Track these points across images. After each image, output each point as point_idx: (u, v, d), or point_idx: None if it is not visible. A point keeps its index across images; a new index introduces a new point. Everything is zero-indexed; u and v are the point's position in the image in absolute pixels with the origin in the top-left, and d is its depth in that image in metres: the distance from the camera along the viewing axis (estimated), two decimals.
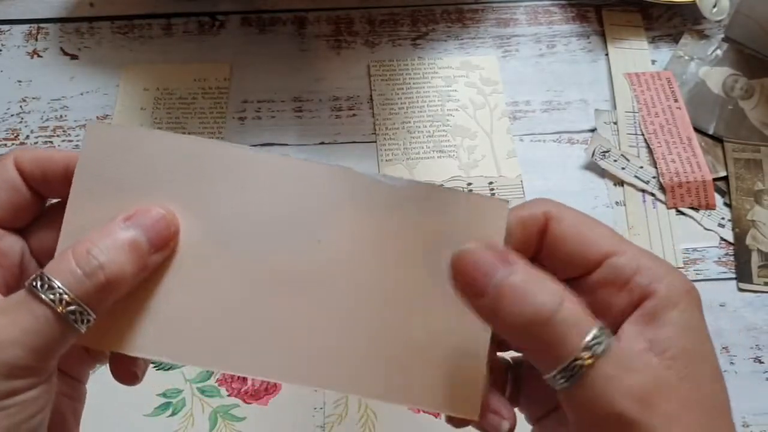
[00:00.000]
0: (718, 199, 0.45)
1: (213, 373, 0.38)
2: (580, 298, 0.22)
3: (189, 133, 0.47)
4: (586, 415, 0.22)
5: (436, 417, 0.37)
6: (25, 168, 0.26)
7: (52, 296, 0.22)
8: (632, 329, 0.23)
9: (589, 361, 0.21)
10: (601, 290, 0.24)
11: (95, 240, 0.23)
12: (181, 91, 0.49)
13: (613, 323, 0.23)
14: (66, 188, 0.25)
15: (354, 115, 0.49)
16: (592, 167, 0.46)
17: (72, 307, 0.22)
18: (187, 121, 0.48)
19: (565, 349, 0.21)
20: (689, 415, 0.22)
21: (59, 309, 0.22)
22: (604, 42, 0.52)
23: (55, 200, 0.27)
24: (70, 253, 0.23)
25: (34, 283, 0.22)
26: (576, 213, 0.26)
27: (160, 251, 0.24)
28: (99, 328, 0.23)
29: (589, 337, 0.21)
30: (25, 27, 0.52)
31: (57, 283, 0.22)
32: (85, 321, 0.23)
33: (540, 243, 0.25)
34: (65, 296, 0.22)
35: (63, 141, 0.47)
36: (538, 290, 0.21)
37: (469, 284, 0.22)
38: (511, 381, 0.28)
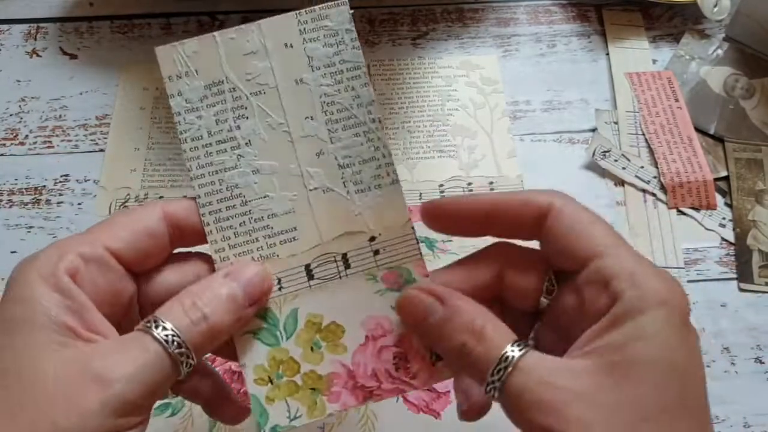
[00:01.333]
0: (719, 199, 0.45)
1: None
2: (499, 323, 0.25)
3: None
4: (515, 422, 0.24)
5: (436, 417, 0.37)
6: (172, 222, 0.27)
7: (165, 335, 0.24)
8: (587, 335, 0.24)
9: (499, 380, 0.24)
10: (586, 289, 0.25)
11: (199, 292, 0.25)
12: None
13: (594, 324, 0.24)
14: (197, 240, 0.28)
15: None
16: (593, 167, 0.46)
17: (181, 349, 0.24)
18: None
19: (487, 365, 0.24)
20: (610, 420, 0.22)
21: (170, 349, 0.24)
22: (605, 41, 0.52)
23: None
24: (177, 303, 0.25)
25: (149, 324, 0.24)
26: (579, 209, 0.26)
27: (255, 305, 0.27)
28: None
29: (502, 354, 0.24)
30: (25, 26, 0.52)
31: (169, 326, 0.24)
32: (188, 365, 0.25)
33: (538, 231, 0.26)
34: (176, 338, 0.24)
35: (62, 141, 0.47)
36: (462, 329, 0.25)
37: (413, 323, 0.27)
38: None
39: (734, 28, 0.52)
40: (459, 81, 0.50)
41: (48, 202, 0.44)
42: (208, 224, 0.28)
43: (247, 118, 0.30)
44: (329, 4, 0.30)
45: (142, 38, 0.51)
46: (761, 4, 0.49)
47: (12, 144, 0.47)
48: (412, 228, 0.30)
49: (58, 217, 0.44)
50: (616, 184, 0.46)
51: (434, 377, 0.29)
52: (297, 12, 0.30)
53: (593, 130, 0.48)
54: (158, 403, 0.37)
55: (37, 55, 0.51)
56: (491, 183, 0.45)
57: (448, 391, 0.38)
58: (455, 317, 0.25)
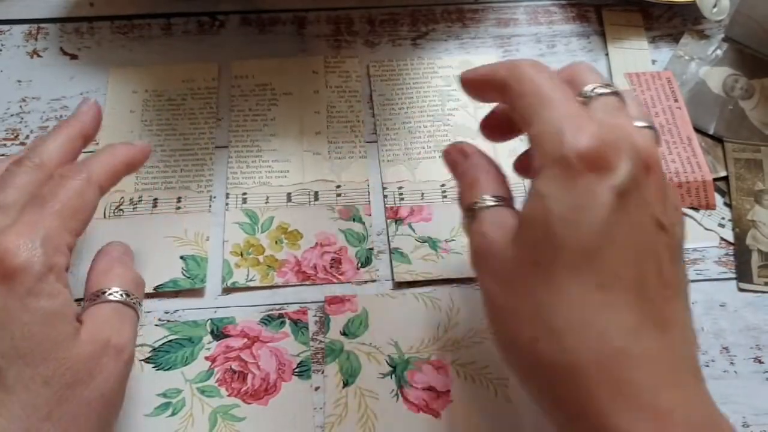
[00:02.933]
0: (719, 199, 0.45)
1: (213, 373, 0.38)
2: (495, 178, 0.32)
3: (180, 135, 0.47)
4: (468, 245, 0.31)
5: (436, 417, 0.37)
6: (104, 188, 0.33)
7: (119, 295, 0.32)
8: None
9: (467, 217, 0.31)
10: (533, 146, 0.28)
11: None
12: (170, 93, 0.49)
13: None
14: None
15: None
16: None
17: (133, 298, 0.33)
18: (178, 123, 0.48)
19: (463, 205, 0.32)
20: (499, 268, 0.28)
21: (129, 300, 0.33)
22: (604, 42, 0.52)
23: None
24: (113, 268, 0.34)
25: (104, 293, 0.32)
26: (527, 79, 0.29)
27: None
28: None
29: (475, 199, 0.31)
30: (25, 27, 0.52)
31: (116, 289, 0.33)
32: (140, 303, 0.34)
33: (501, 96, 0.31)
34: (124, 293, 0.33)
35: None
36: (467, 178, 0.32)
37: (449, 167, 0.35)
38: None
39: (734, 28, 0.52)
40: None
41: None
42: (230, 157, 0.46)
43: (276, 105, 0.49)
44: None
45: (143, 38, 0.52)
46: (761, 4, 0.49)
47: (13, 144, 0.47)
48: (367, 185, 0.45)
49: None
50: None
51: (356, 277, 0.42)
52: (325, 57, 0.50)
53: None
54: (158, 402, 0.37)
55: (38, 56, 0.51)
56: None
57: (448, 391, 0.38)
58: (469, 169, 0.32)
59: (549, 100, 0.27)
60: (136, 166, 0.35)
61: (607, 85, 0.29)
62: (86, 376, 0.28)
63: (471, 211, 0.31)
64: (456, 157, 0.34)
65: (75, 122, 0.35)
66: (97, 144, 0.47)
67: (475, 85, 0.32)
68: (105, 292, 0.31)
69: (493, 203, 0.30)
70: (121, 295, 0.31)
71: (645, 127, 0.29)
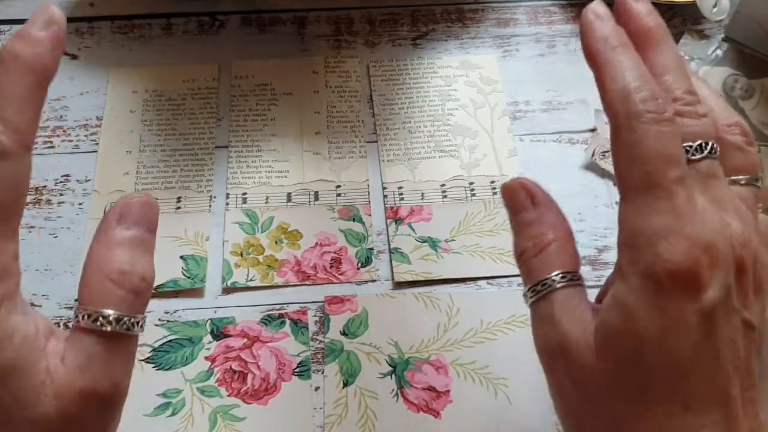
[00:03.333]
0: None
1: (213, 373, 0.38)
2: (567, 246, 0.27)
3: (180, 135, 0.47)
4: (533, 328, 0.27)
5: (436, 417, 0.37)
6: (27, 145, 0.24)
7: (120, 325, 0.23)
8: (607, 281, 0.27)
9: (533, 295, 0.26)
10: (618, 223, 0.26)
11: (114, 258, 0.24)
12: (170, 93, 0.49)
13: None
14: None
15: None
16: (592, 167, 0.46)
17: (134, 321, 0.24)
18: (178, 123, 0.48)
19: (528, 280, 0.27)
20: (582, 377, 0.25)
21: (132, 331, 0.24)
22: None
23: None
24: (106, 281, 0.24)
25: (96, 321, 0.23)
26: (641, 138, 0.24)
27: (155, 233, 0.26)
28: None
29: (541, 278, 0.26)
30: None
31: (114, 314, 0.23)
32: (143, 325, 0.24)
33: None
34: (125, 319, 0.24)
35: (63, 141, 0.47)
36: (529, 235, 0.27)
37: (508, 212, 0.29)
38: None
39: (734, 28, 0.52)
40: (458, 81, 0.50)
41: (49, 202, 0.44)
42: (230, 157, 0.46)
43: (277, 105, 0.48)
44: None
45: (143, 38, 0.52)
46: (761, 5, 0.49)
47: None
48: (367, 185, 0.45)
49: (59, 217, 0.44)
50: (615, 184, 0.46)
51: (356, 277, 0.42)
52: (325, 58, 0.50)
53: (593, 130, 0.48)
54: (158, 402, 0.37)
55: None
56: (492, 182, 0.45)
57: (448, 391, 0.38)
58: (534, 224, 0.27)
59: (655, 186, 0.24)
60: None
61: (704, 142, 0.25)
62: None
63: (537, 290, 0.26)
64: (522, 200, 0.28)
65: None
66: (97, 144, 0.47)
67: (586, 48, 0.27)
68: (98, 320, 0.23)
69: (565, 284, 0.26)
70: (120, 323, 0.23)
71: (747, 183, 0.26)
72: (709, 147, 0.25)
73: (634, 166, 0.24)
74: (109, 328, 0.23)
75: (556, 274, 0.26)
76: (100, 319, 0.23)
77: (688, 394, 0.23)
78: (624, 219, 0.24)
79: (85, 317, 0.23)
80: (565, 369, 0.25)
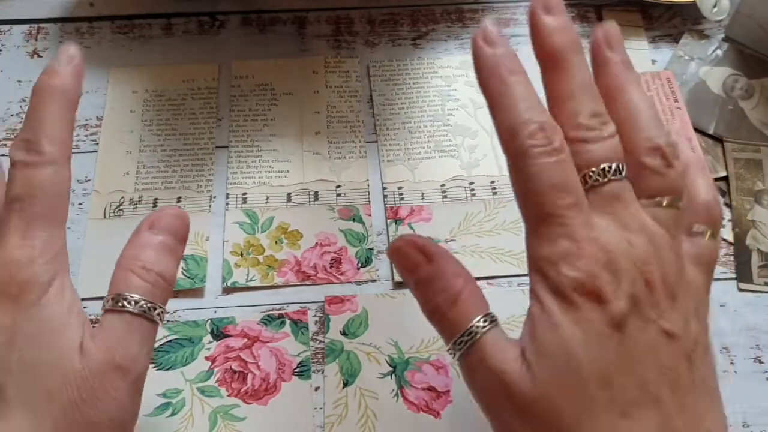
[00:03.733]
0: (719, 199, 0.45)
1: (213, 373, 0.38)
2: (475, 290, 0.27)
3: (180, 135, 0.47)
4: (467, 381, 0.27)
5: (436, 417, 0.37)
6: (67, 158, 0.30)
7: (140, 308, 0.28)
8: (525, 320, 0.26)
9: (457, 349, 0.26)
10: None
11: (141, 255, 0.29)
12: (170, 93, 0.49)
13: None
14: None
15: None
16: None
17: (156, 310, 0.28)
18: (178, 123, 0.48)
19: (449, 336, 0.27)
20: (532, 411, 0.25)
21: (151, 315, 0.28)
22: None
23: None
24: (129, 272, 0.28)
25: (119, 303, 0.28)
26: (537, 169, 0.26)
27: (184, 241, 0.30)
28: None
29: (464, 329, 0.26)
30: (25, 27, 0.52)
31: (138, 297, 0.28)
32: (163, 316, 0.29)
33: None
34: (148, 303, 0.28)
35: None
36: (434, 291, 0.27)
37: (401, 274, 0.29)
38: None
39: (733, 28, 0.52)
40: (458, 80, 0.50)
41: None
42: (230, 157, 0.46)
43: (277, 105, 0.48)
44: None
45: (143, 38, 0.52)
46: (761, 5, 0.50)
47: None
48: (367, 185, 0.45)
49: None
50: None
51: (356, 277, 0.42)
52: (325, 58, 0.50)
53: None
54: (158, 402, 0.37)
55: (38, 56, 0.51)
56: (492, 182, 0.45)
57: (448, 391, 0.38)
58: (436, 279, 0.27)
59: (553, 215, 0.25)
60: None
61: (608, 165, 0.26)
62: (92, 397, 0.26)
63: (464, 341, 0.26)
64: (414, 258, 0.27)
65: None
66: (97, 144, 0.47)
67: None
68: (120, 301, 0.27)
69: (489, 326, 0.26)
70: (138, 305, 0.27)
71: (668, 205, 0.26)
72: (612, 169, 0.25)
73: (528, 199, 0.25)
74: (129, 308, 0.27)
75: (478, 320, 0.26)
76: (122, 300, 0.27)
77: (621, 399, 0.24)
78: (528, 248, 0.26)
79: (110, 300, 0.28)
80: (511, 409, 0.25)
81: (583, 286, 0.24)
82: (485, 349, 0.26)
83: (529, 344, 0.25)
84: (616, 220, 0.25)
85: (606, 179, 0.25)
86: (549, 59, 0.27)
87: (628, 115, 0.27)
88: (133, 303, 0.27)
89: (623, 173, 0.26)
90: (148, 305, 0.28)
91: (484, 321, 0.26)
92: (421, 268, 0.27)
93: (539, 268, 0.25)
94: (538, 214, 0.25)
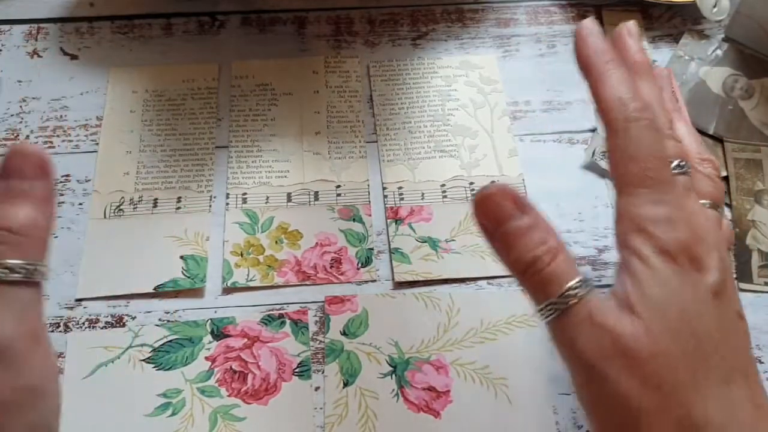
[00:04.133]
0: None
1: (213, 373, 0.38)
2: (569, 252, 0.26)
3: (180, 135, 0.47)
4: (560, 350, 0.26)
5: (436, 417, 0.37)
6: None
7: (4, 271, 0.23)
8: (618, 279, 0.26)
9: (557, 308, 0.25)
10: (617, 216, 0.27)
11: None
12: (170, 93, 0.49)
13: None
14: None
15: None
16: (592, 167, 0.46)
17: (31, 268, 0.24)
18: (178, 123, 0.48)
19: (548, 292, 0.25)
20: (647, 368, 0.24)
21: (25, 277, 0.24)
22: None
23: None
24: None
25: None
26: (632, 131, 0.27)
27: (41, 179, 0.26)
28: None
29: (565, 287, 0.25)
30: (25, 27, 0.52)
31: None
32: (44, 273, 0.24)
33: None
34: (17, 266, 0.24)
35: (63, 141, 0.47)
36: (533, 243, 0.26)
37: (484, 226, 0.27)
38: None
39: (733, 28, 0.52)
40: (458, 81, 0.50)
41: None
42: (231, 157, 0.46)
43: (277, 105, 0.48)
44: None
45: (143, 38, 0.52)
46: (761, 5, 0.50)
47: (13, 144, 0.47)
48: (367, 185, 0.45)
49: (59, 216, 0.44)
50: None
51: (356, 277, 0.42)
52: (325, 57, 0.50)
53: (593, 130, 0.48)
54: (158, 402, 0.37)
55: (38, 56, 0.51)
56: (493, 182, 0.45)
57: (448, 391, 0.38)
58: (534, 230, 0.26)
59: (651, 183, 0.26)
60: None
61: (681, 161, 0.28)
62: None
63: (565, 300, 0.25)
64: (508, 208, 0.26)
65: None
66: (97, 144, 0.47)
67: (581, 61, 0.29)
68: None
69: (590, 287, 0.25)
70: (3, 271, 0.23)
71: (711, 207, 0.30)
72: (684, 166, 0.28)
73: (632, 163, 0.26)
74: None
75: (578, 281, 0.25)
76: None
77: (724, 365, 0.25)
78: (626, 210, 0.26)
79: None
80: (622, 366, 0.24)
81: (689, 249, 0.25)
82: (594, 306, 0.25)
83: (638, 300, 0.25)
84: (695, 206, 0.27)
85: (680, 171, 0.28)
86: (633, 66, 0.30)
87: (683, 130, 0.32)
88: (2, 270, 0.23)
89: (689, 173, 0.28)
90: (9, 268, 0.24)
91: (584, 283, 0.25)
92: (515, 218, 0.26)
93: (642, 227, 0.26)
94: (642, 177, 0.26)
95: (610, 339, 0.24)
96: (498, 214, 0.26)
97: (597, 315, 0.25)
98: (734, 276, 0.29)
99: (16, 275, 0.24)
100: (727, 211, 0.45)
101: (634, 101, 0.27)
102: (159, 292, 0.41)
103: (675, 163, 0.28)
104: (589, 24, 0.29)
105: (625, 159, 0.26)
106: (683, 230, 0.25)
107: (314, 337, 0.40)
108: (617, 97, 0.27)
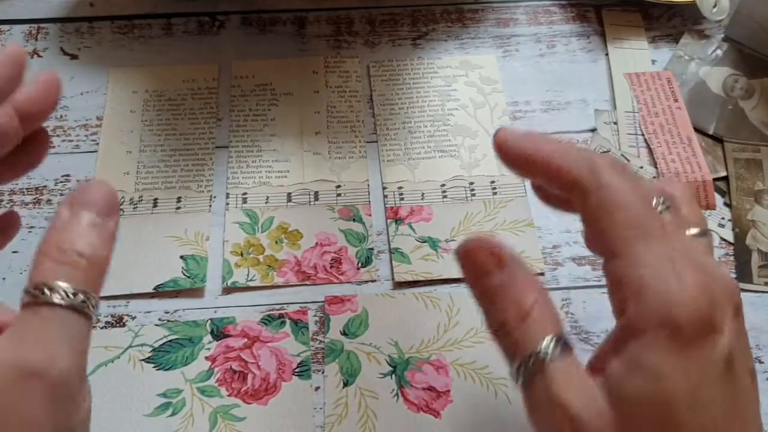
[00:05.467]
0: (718, 199, 0.45)
1: (213, 373, 0.38)
2: (547, 305, 0.24)
3: (180, 135, 0.47)
4: (529, 413, 0.24)
5: (436, 417, 0.37)
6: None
7: (60, 296, 0.22)
8: (602, 349, 0.23)
9: (522, 374, 0.23)
10: (609, 286, 0.24)
11: (59, 237, 0.23)
12: (170, 93, 0.49)
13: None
14: None
15: None
16: None
17: (84, 297, 0.23)
18: (178, 123, 0.48)
19: (514, 356, 0.23)
20: None
21: (76, 305, 0.23)
22: (604, 42, 0.52)
23: None
24: (46, 258, 0.23)
25: (36, 293, 0.22)
26: (613, 187, 0.23)
27: (113, 214, 0.25)
28: None
29: (528, 352, 0.23)
30: (25, 27, 0.52)
31: (58, 284, 0.22)
32: (96, 305, 0.23)
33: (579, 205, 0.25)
34: (72, 291, 0.23)
35: (63, 141, 0.47)
36: (506, 302, 0.24)
37: (466, 278, 0.26)
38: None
39: (733, 28, 0.52)
40: (458, 81, 0.50)
41: (49, 202, 0.44)
42: (231, 157, 0.46)
43: (277, 106, 0.49)
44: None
45: (143, 38, 0.52)
46: (761, 5, 0.50)
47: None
48: (367, 185, 0.45)
49: None
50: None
51: (356, 277, 0.42)
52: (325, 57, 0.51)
53: (593, 130, 0.48)
54: (158, 402, 0.37)
55: (38, 56, 0.51)
56: (493, 182, 0.45)
57: (448, 391, 0.38)
58: (507, 289, 0.24)
59: (644, 231, 0.23)
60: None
61: (660, 197, 0.25)
62: None
63: (530, 366, 0.23)
64: (484, 262, 0.25)
65: None
66: (97, 144, 0.47)
67: (520, 161, 0.26)
68: (28, 291, 0.23)
69: (560, 351, 0.23)
70: (50, 291, 0.22)
71: (699, 234, 0.26)
72: (662, 201, 0.25)
73: (617, 213, 0.23)
74: (41, 298, 0.22)
75: (549, 341, 0.23)
76: (32, 290, 0.22)
77: None
78: (619, 274, 0.23)
79: (24, 294, 0.23)
80: None
81: (697, 314, 0.21)
82: (556, 379, 0.22)
83: (624, 386, 0.22)
84: (689, 245, 0.24)
85: (664, 207, 0.25)
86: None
87: None
88: (48, 292, 0.22)
89: (670, 207, 0.25)
90: (67, 292, 0.22)
91: (556, 342, 0.23)
92: (492, 276, 0.24)
93: (640, 294, 0.22)
94: (633, 229, 0.23)
95: (566, 420, 0.22)
96: (476, 271, 0.25)
97: (556, 387, 0.22)
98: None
99: (80, 302, 0.23)
100: (727, 211, 0.45)
101: (599, 156, 0.24)
102: (159, 292, 0.41)
103: (656, 198, 0.25)
104: (503, 132, 0.27)
105: (608, 212, 0.23)
106: (691, 290, 0.22)
107: (314, 337, 0.40)
108: (580, 159, 0.24)
